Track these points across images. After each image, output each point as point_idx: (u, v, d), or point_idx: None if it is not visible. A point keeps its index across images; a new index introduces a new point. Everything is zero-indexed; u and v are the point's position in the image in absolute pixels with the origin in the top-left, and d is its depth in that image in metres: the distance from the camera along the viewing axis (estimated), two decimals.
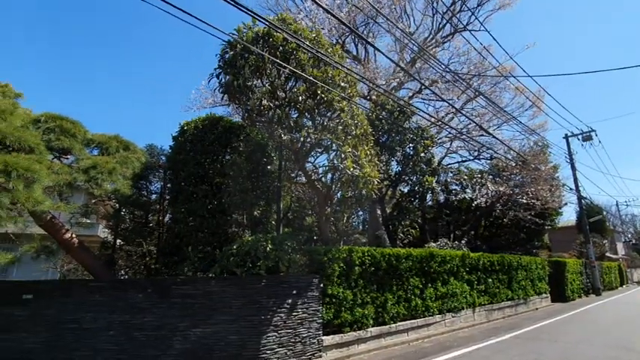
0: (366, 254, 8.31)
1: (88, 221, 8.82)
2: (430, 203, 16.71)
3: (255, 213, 8.54)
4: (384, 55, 7.77)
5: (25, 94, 6.82)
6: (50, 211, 6.36)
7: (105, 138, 7.34)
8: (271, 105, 6.90)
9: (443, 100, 14.01)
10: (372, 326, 8.18)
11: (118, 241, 9.25)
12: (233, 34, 6.63)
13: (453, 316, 10.68)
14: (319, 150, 8.12)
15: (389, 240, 12.36)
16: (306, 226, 10.18)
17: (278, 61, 6.55)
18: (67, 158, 7.01)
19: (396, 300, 8.95)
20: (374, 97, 13.45)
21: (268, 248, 6.72)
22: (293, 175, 9.43)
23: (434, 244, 12.84)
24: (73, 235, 7.11)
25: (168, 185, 9.22)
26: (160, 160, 9.39)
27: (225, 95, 7.05)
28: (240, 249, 6.72)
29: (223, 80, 6.88)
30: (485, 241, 19.05)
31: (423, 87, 15.75)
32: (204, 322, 6.42)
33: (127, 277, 9.23)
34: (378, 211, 12.80)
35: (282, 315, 6.66)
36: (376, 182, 7.75)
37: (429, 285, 10.08)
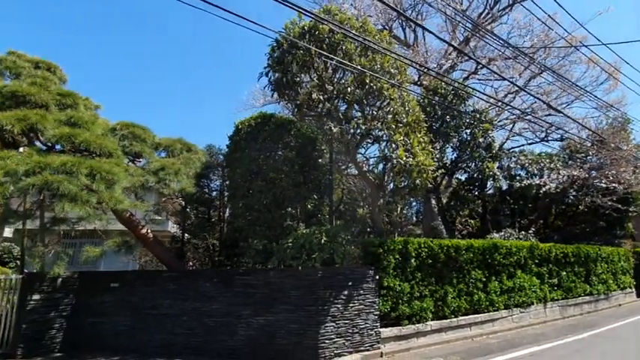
0: (422, 246, 8.05)
1: (160, 218, 9.69)
2: (491, 191, 15.57)
3: (309, 206, 8.70)
4: (435, 35, 7.36)
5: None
6: (129, 209, 7.10)
7: (170, 141, 7.98)
8: (320, 98, 6.92)
9: (503, 78, 12.91)
10: (432, 320, 7.94)
11: (186, 235, 10.05)
12: (281, 31, 6.77)
13: (520, 312, 9.95)
14: (369, 140, 7.99)
15: (446, 231, 11.83)
16: (359, 218, 10.13)
17: (325, 53, 6.54)
18: (140, 161, 7.76)
19: (457, 293, 8.57)
20: (425, 82, 12.83)
21: (322, 241, 6.82)
22: (344, 167, 9.41)
23: (497, 235, 12.01)
24: (149, 231, 7.88)
25: (227, 182, 9.76)
26: (218, 159, 9.97)
27: (275, 92, 7.24)
28: (295, 242, 6.90)
29: (272, 78, 7.05)
30: (557, 230, 17.35)
31: (479, 66, 14.67)
32: (265, 311, 6.74)
33: (194, 268, 10.01)
34: (433, 202, 12.29)
35: (338, 306, 6.74)
36: (431, 171, 7.43)
37: (493, 278, 9.49)
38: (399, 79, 7.69)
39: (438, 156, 9.74)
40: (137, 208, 7.25)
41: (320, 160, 9.34)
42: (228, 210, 9.76)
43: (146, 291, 7.66)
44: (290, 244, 6.89)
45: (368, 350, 6.82)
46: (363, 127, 7.18)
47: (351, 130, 7.12)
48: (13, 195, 4.99)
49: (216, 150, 10.09)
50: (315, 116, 7.44)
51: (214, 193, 10.20)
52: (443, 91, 11.34)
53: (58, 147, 6.03)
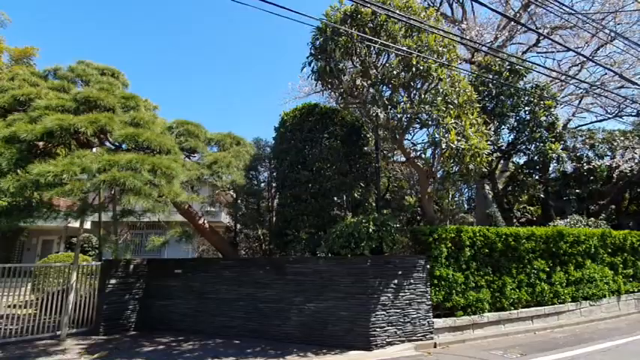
0: (477, 234, 7.65)
1: (214, 209, 10.26)
2: (554, 175, 14.28)
3: (355, 194, 8.64)
4: (487, 7, 6.75)
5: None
6: (186, 202, 7.59)
7: (221, 136, 8.36)
8: (364, 84, 6.76)
9: (567, 49, 11.63)
10: (489, 311, 7.57)
11: (238, 225, 10.53)
12: (322, 19, 6.69)
13: (590, 305, 9.11)
14: (417, 125, 7.67)
15: (502, 219, 11.10)
16: (407, 206, 9.88)
17: (368, 37, 6.34)
18: (194, 156, 8.24)
19: (517, 284, 8.06)
20: (477, 59, 11.96)
21: (370, 229, 6.75)
22: (390, 154, 9.18)
23: (561, 222, 11.02)
24: (205, 222, 8.39)
25: (274, 174, 10.02)
26: (265, 152, 10.25)
27: (319, 82, 7.21)
28: (343, 230, 6.92)
29: (315, 67, 7.02)
30: (632, 216, 15.51)
31: (539, 38, 13.35)
32: (316, 298, 6.90)
33: (247, 256, 10.49)
34: (487, 188, 11.56)
35: (389, 295, 6.68)
36: (485, 154, 6.97)
37: (558, 268, 8.77)
38: (447, 58, 7.25)
39: (492, 138, 9.08)
40: (194, 200, 7.73)
41: (365, 148, 9.20)
42: (276, 200, 10.03)
43: (205, 277, 8.21)
44: (338, 233, 6.91)
45: (421, 340, 6.70)
46: (410, 112, 6.90)
47: (398, 116, 6.88)
48: (89, 190, 5.58)
49: (264, 142, 10.36)
50: (359, 103, 7.29)
51: (263, 185, 10.52)
52: (497, 67, 10.49)
53: (124, 146, 6.61)
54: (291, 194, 8.59)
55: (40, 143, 6.17)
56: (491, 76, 10.32)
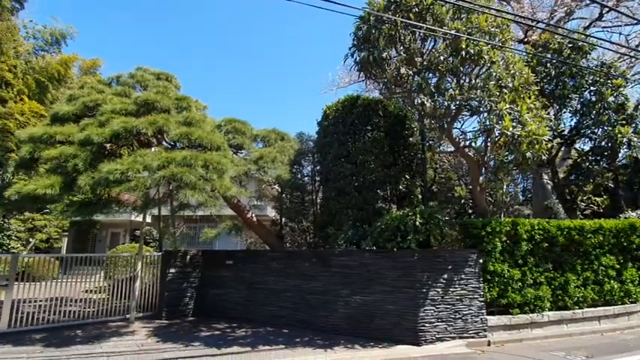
0: (536, 227, 7.14)
1: (260, 203, 10.63)
2: (624, 162, 12.82)
3: (400, 187, 8.45)
4: None
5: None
6: (236, 196, 7.95)
7: (266, 132, 8.61)
8: (409, 73, 6.54)
9: (636, 21, 10.29)
10: (549, 310, 7.07)
11: (283, 219, 10.82)
12: (364, 7, 6.56)
13: None
14: (466, 112, 7.29)
15: (563, 210, 10.22)
16: (455, 198, 9.46)
17: (412, 22, 6.11)
18: (241, 152, 8.58)
19: (582, 282, 7.43)
20: (533, 37, 11.01)
21: (417, 222, 6.57)
22: (436, 144, 8.83)
23: (634, 214, 9.90)
24: (253, 215, 8.73)
25: (317, 167, 10.12)
26: (308, 146, 10.38)
27: (362, 72, 7.10)
28: (389, 224, 6.81)
29: (358, 58, 6.92)
30: None
31: (602, 11, 11.98)
32: (362, 291, 6.90)
33: (292, 249, 10.76)
34: (546, 177, 10.69)
35: (438, 290, 6.50)
36: (544, 141, 6.44)
37: (630, 265, 7.96)
38: (500, 39, 6.76)
39: (552, 123, 8.36)
40: (242, 194, 8.08)
41: (410, 139, 8.95)
42: (320, 194, 10.13)
43: (254, 268, 8.57)
44: (383, 227, 6.83)
45: (473, 337, 6.45)
46: (459, 98, 6.56)
47: (445, 103, 6.58)
48: (151, 186, 6.06)
49: (306, 137, 10.49)
50: (403, 93, 7.07)
51: (306, 179, 10.68)
52: (556, 45, 9.58)
53: (178, 144, 7.07)
54: (335, 188, 8.62)
55: (108, 145, 6.80)
56: (549, 56, 9.46)
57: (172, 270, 8.75)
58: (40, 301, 8.15)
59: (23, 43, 21.88)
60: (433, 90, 6.59)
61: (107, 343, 6.42)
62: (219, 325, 7.79)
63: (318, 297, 7.44)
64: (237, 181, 7.95)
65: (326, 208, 9.03)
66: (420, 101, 6.22)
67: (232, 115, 8.62)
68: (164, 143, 7.38)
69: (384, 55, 6.49)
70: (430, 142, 9.91)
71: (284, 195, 10.31)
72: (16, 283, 7.45)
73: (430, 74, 6.95)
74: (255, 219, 8.76)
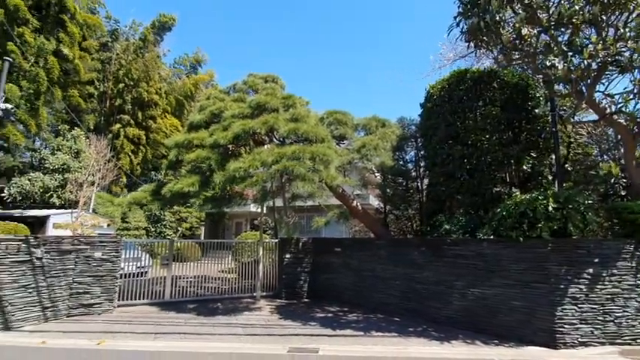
0: None
1: (363, 192, 10.71)
2: None
3: (524, 167, 7.37)
4: None
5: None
6: (340, 185, 8.19)
7: (366, 120, 8.60)
8: (531, 33, 5.57)
9: None
10: None
11: (387, 206, 10.69)
12: None
13: None
14: (613, 70, 5.87)
15: None
16: (600, 176, 7.75)
17: None
18: (344, 142, 8.76)
19: None
20: None
21: (550, 207, 5.64)
22: (570, 114, 7.38)
23: None
24: (358, 204, 8.87)
25: (422, 152, 9.62)
26: (410, 130, 9.95)
27: (471, 42, 6.37)
28: (511, 209, 6.03)
29: (465, 26, 6.23)
30: None
31: None
32: (481, 284, 6.33)
33: (397, 237, 10.55)
34: None
35: (580, 287, 5.50)
36: None
37: None
38: None
39: None
40: (347, 183, 8.27)
41: (535, 111, 7.68)
42: (425, 180, 9.64)
43: (361, 255, 8.73)
44: (505, 213, 6.08)
45: (629, 344, 5.32)
46: (602, 54, 5.31)
47: (584, 62, 5.40)
48: (267, 180, 6.74)
49: (408, 121, 10.07)
50: (525, 57, 6.07)
51: (410, 165, 10.29)
52: None
53: (287, 140, 7.65)
54: (443, 172, 8.06)
55: (230, 146, 7.81)
56: None
57: (287, 255, 9.59)
58: (189, 277, 10.01)
59: (164, 69, 26.85)
60: (565, 48, 5.48)
61: (241, 316, 7.48)
62: (331, 308, 8.22)
63: (428, 287, 7.15)
64: (342, 170, 8.16)
65: (433, 195, 8.54)
66: (549, 63, 5.24)
67: (333, 106, 8.91)
68: (274, 140, 8.08)
69: (498, 17, 5.66)
70: (561, 111, 8.36)
71: (387, 182, 10.16)
72: (173, 263, 9.28)
73: (560, 30, 5.81)
74: (360, 207, 8.89)
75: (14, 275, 6.25)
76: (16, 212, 16.68)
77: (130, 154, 23.36)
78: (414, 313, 7.28)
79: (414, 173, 10.23)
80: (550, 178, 7.69)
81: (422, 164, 9.86)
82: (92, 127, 22.29)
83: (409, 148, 10.05)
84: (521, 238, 5.82)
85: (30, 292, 6.46)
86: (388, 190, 10.14)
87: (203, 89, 26.49)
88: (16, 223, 13.76)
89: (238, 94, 9.25)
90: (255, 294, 9.38)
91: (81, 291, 7.22)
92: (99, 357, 4.99)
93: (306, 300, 9.40)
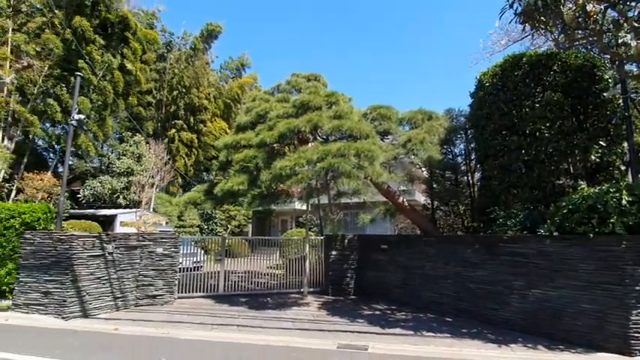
0: None
1: (409, 188, 10.42)
2: None
3: (592, 157, 6.68)
4: None
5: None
6: (386, 181, 8.05)
7: (411, 113, 8.34)
8: (597, 9, 5.01)
9: None
10: None
11: (435, 202, 10.29)
12: None
13: None
14: None
15: None
16: None
17: None
18: (388, 137, 8.59)
19: None
20: None
21: (624, 200, 5.06)
22: None
23: None
24: (404, 200, 8.65)
25: (472, 144, 9.12)
26: (459, 122, 9.48)
27: (526, 24, 5.89)
28: (578, 203, 5.50)
29: (519, 7, 5.76)
30: None
31: None
32: (543, 284, 5.87)
33: (448, 234, 10.13)
34: None
35: None
36: None
37: None
38: None
39: None
40: (392, 179, 8.10)
41: (604, 95, 6.91)
42: (477, 173, 9.13)
43: (409, 252, 8.50)
44: (571, 207, 5.56)
45: None
46: None
47: None
48: (312, 177, 6.82)
49: (456, 112, 9.59)
50: (590, 37, 5.47)
51: (459, 158, 9.81)
52: None
53: (331, 137, 7.67)
54: (498, 165, 7.57)
55: (276, 145, 8.01)
56: None
57: (333, 252, 9.64)
58: (239, 272, 10.48)
59: (212, 74, 28.32)
60: (637, 24, 4.85)
61: (290, 311, 7.67)
62: (378, 306, 8.12)
63: (483, 287, 6.77)
64: (387, 166, 8.00)
65: (486, 189, 8.06)
66: (620, 41, 4.68)
67: (376, 101, 8.76)
68: (318, 138, 8.15)
69: None
70: (633, 94, 7.45)
71: (435, 177, 9.79)
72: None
73: (629, 5, 5.16)
74: (406, 204, 8.66)
75: (90, 268, 6.99)
76: (89, 212, 18.64)
77: (184, 156, 24.98)
78: (467, 314, 6.95)
79: (464, 167, 9.74)
80: (623, 168, 6.89)
81: (473, 157, 9.35)
82: (151, 133, 24.20)
83: (458, 140, 9.59)
84: (591, 235, 5.28)
85: (104, 284, 7.19)
86: (436, 186, 9.77)
87: (248, 92, 27.54)
88: (90, 221, 15.41)
89: (282, 94, 9.47)
90: (302, 290, 9.56)
91: (146, 283, 7.88)
92: (171, 345, 5.42)
93: (352, 297, 9.38)
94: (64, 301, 6.55)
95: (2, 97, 13.77)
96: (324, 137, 7.89)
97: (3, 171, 14.09)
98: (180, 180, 24.28)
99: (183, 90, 25.57)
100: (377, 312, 7.62)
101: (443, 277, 7.56)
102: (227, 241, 10.67)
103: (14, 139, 15.46)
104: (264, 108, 8.70)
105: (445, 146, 9.43)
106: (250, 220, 25.48)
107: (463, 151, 9.70)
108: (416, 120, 8.17)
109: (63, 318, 6.49)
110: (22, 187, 15.19)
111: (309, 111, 7.61)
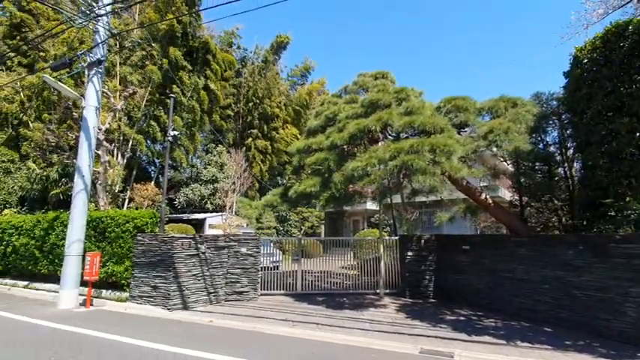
0: None
1: (493, 184, 9.53)
2: None
3: None
4: None
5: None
6: (465, 177, 7.50)
7: (492, 102, 7.63)
8: None
9: None
10: None
11: (524, 198, 9.23)
12: None
13: None
14: None
15: None
16: None
17: None
18: (465, 130, 7.99)
19: None
20: None
21: None
22: None
23: None
24: (487, 197, 7.95)
25: (568, 131, 7.97)
26: (551, 106, 8.34)
27: None
28: None
29: None
30: None
31: None
32: None
33: (544, 233, 9.01)
34: None
35: None
36: None
37: None
38: None
39: None
40: (473, 175, 7.51)
41: None
42: (576, 164, 7.95)
43: (495, 254, 7.77)
44: None
45: None
46: None
47: None
48: (385, 177, 6.69)
49: (547, 96, 8.46)
50: None
51: (552, 148, 8.66)
52: None
53: (402, 135, 7.43)
54: (603, 152, 6.50)
55: (346, 146, 8.06)
56: None
57: (409, 253, 9.30)
58: (314, 272, 10.77)
59: (282, 83, 29.86)
60: None
61: (367, 312, 7.62)
62: (462, 311, 7.59)
63: (591, 294, 5.87)
64: (466, 161, 7.45)
65: (590, 181, 6.97)
66: None
67: (451, 93, 8.21)
68: (388, 136, 7.96)
69: None
70: None
71: (523, 170, 8.79)
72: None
73: None
74: (490, 200, 7.94)
75: (188, 266, 7.89)
76: (184, 216, 21.07)
77: (259, 162, 26.71)
78: (569, 324, 6.11)
79: (558, 157, 8.57)
80: None
81: (570, 145, 8.17)
82: (231, 143, 26.42)
83: (550, 127, 8.46)
84: None
85: (199, 280, 8.05)
86: (524, 180, 8.76)
87: (317, 97, 28.32)
88: (185, 225, 17.41)
89: (350, 95, 9.49)
90: (378, 291, 9.42)
91: (233, 280, 8.60)
92: (262, 339, 5.84)
93: (432, 300, 8.94)
94: (169, 294, 7.50)
95: (116, 121, 16.40)
96: (395, 135, 7.68)
97: (118, 184, 16.76)
98: (256, 185, 25.99)
99: (257, 101, 27.38)
100: (461, 317, 7.13)
101: (538, 281, 6.75)
102: (302, 241, 11.06)
103: (125, 156, 18.29)
104: (332, 111, 8.83)
105: (534, 135, 8.39)
106: (323, 221, 26.05)
107: (557, 140, 8.53)
108: (498, 108, 7.44)
109: (168, 309, 7.44)
110: (132, 196, 17.84)
111: (378, 109, 7.50)
